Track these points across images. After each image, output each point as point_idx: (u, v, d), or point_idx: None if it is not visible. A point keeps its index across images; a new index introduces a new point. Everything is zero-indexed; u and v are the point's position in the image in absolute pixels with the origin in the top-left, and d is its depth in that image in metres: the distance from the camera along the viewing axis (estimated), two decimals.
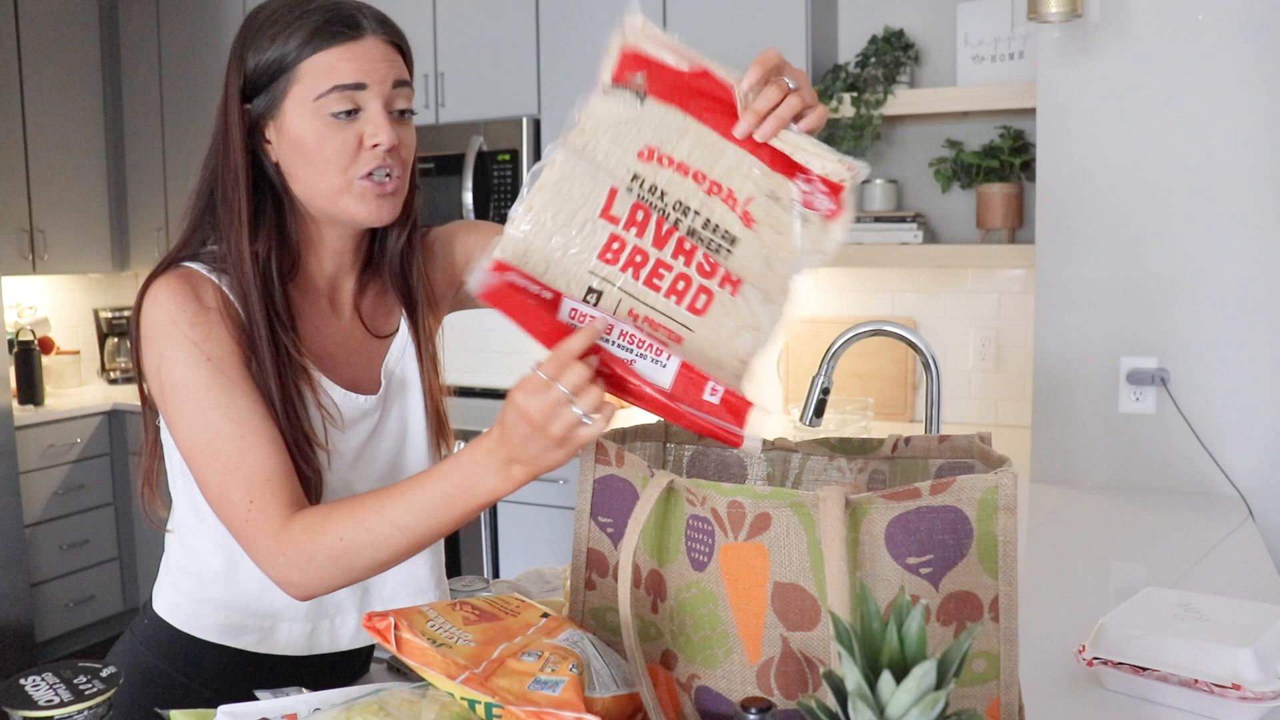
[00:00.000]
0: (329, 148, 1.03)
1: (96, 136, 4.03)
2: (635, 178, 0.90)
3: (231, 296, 1.06)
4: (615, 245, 0.88)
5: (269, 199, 1.09)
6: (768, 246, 0.91)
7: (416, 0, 3.26)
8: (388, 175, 1.06)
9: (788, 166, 0.92)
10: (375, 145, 1.04)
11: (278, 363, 1.05)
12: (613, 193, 0.89)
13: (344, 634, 1.20)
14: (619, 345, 0.87)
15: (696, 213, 0.90)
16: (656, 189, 0.90)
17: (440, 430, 1.23)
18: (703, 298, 0.88)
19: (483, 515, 2.96)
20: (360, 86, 1.03)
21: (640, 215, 0.89)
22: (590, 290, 0.87)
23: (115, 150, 4.09)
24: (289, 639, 1.16)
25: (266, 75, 1.04)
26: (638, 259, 0.88)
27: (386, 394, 1.18)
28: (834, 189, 0.93)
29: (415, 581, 1.21)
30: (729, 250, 0.90)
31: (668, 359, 0.86)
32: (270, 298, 1.06)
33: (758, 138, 0.91)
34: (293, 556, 0.97)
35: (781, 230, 0.91)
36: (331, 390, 1.12)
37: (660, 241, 0.89)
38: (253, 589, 1.13)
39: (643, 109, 0.91)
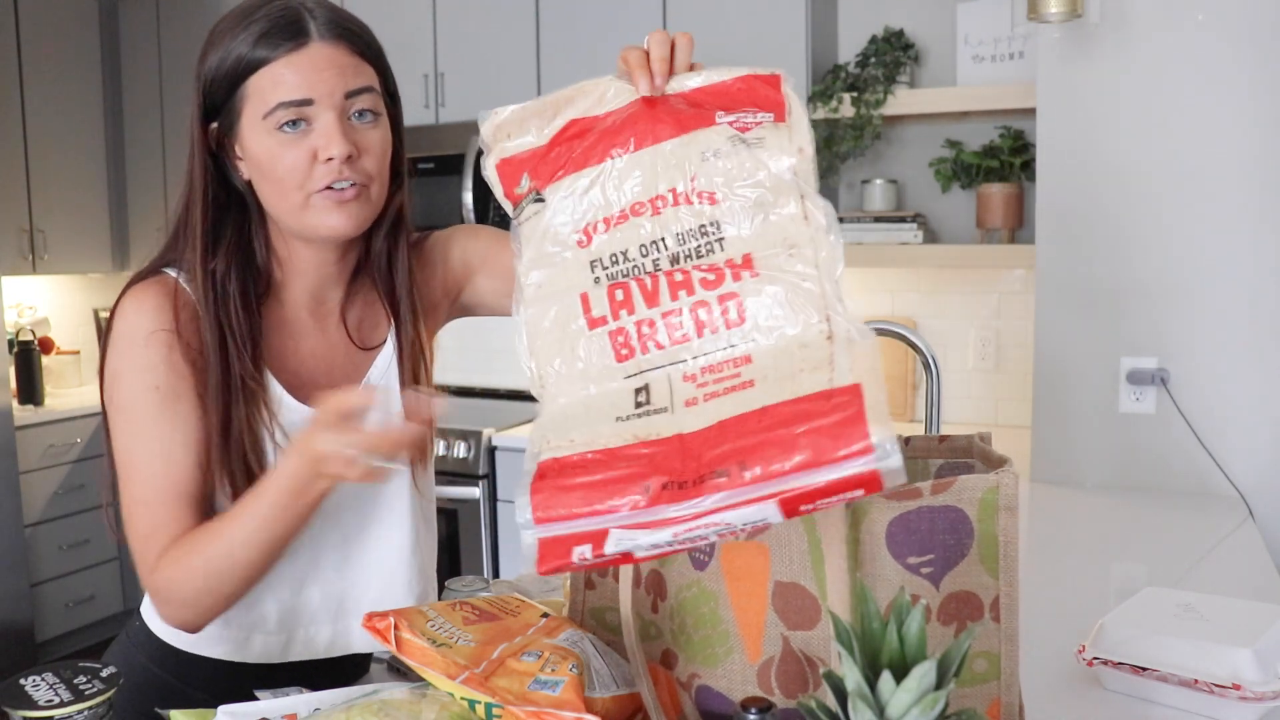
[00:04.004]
0: (282, 165, 1.00)
1: (96, 136, 4.03)
2: (593, 265, 0.81)
3: (198, 307, 1.04)
4: (621, 339, 0.79)
5: (231, 217, 1.07)
6: (749, 200, 0.79)
7: (416, 0, 3.26)
8: (350, 184, 1.02)
9: (699, 118, 0.82)
10: (329, 159, 1.00)
11: (226, 383, 1.03)
12: (584, 298, 0.81)
13: (319, 643, 1.17)
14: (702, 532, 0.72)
15: (662, 239, 0.80)
16: (616, 256, 0.81)
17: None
18: (730, 305, 0.77)
19: (483, 515, 2.96)
20: (306, 102, 0.99)
21: (619, 294, 0.80)
22: (637, 391, 0.77)
23: (115, 150, 4.09)
24: (265, 649, 1.14)
25: (220, 90, 1.02)
26: (646, 330, 0.78)
27: None
28: (765, 93, 0.82)
29: (393, 598, 1.17)
30: (718, 241, 0.79)
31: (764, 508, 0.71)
32: (225, 319, 1.04)
33: (657, 84, 0.83)
34: (165, 590, 1.01)
35: (747, 174, 0.79)
36: (297, 410, 1.08)
37: (652, 299, 0.79)
38: None
39: (549, 203, 0.83)
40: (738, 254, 0.78)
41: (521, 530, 0.74)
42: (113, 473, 1.08)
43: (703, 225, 0.80)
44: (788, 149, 0.79)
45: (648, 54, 0.84)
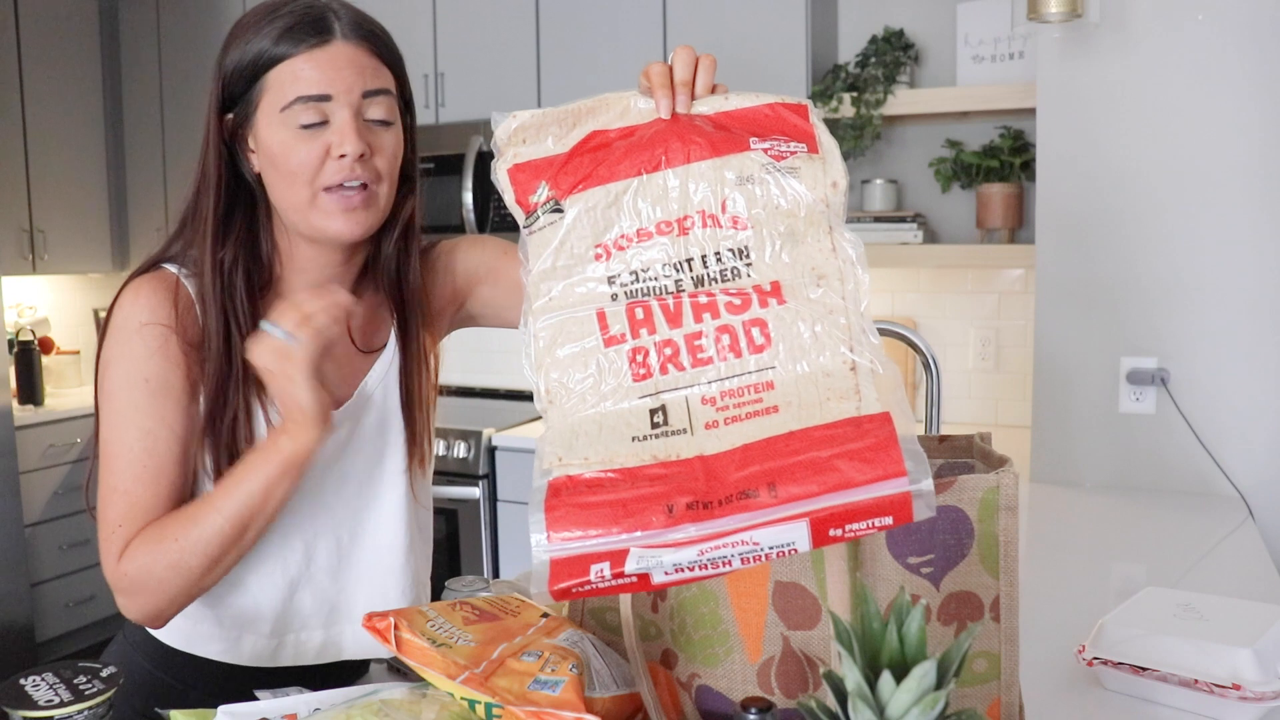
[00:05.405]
0: (294, 159, 1.01)
1: (96, 136, 4.03)
2: (610, 281, 0.80)
3: (196, 303, 1.05)
4: (640, 358, 0.77)
5: (242, 209, 1.07)
6: (780, 227, 0.79)
7: (416, 0, 3.26)
8: (361, 186, 1.02)
9: (731, 142, 0.81)
10: (341, 156, 1.00)
11: (224, 375, 1.04)
12: (600, 315, 0.79)
13: (310, 648, 1.16)
14: (724, 554, 0.70)
15: (687, 260, 0.80)
16: (638, 274, 0.80)
17: (415, 450, 1.18)
18: (755, 330, 0.77)
19: (483, 515, 2.96)
20: (324, 98, 1.00)
21: (640, 312, 0.79)
22: (653, 412, 0.76)
23: (115, 150, 4.09)
24: (255, 652, 1.14)
25: (240, 82, 1.02)
26: (668, 351, 0.77)
27: (359, 409, 1.14)
28: (794, 122, 0.82)
29: (385, 603, 1.16)
30: (746, 265, 0.79)
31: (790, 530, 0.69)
32: (230, 308, 1.05)
33: (679, 109, 0.83)
34: (134, 575, 1.01)
35: (779, 202, 0.79)
36: None
37: (675, 319, 0.78)
38: (218, 599, 1.11)
39: (567, 215, 0.81)
40: (765, 281, 0.78)
41: (534, 550, 0.72)
42: (96, 460, 1.08)
43: (732, 249, 0.80)
44: (822, 181, 0.80)
45: (671, 72, 0.84)
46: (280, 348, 0.96)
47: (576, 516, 0.72)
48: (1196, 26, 2.05)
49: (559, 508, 0.73)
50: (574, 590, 0.71)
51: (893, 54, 2.76)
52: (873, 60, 2.77)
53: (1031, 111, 2.44)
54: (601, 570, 0.70)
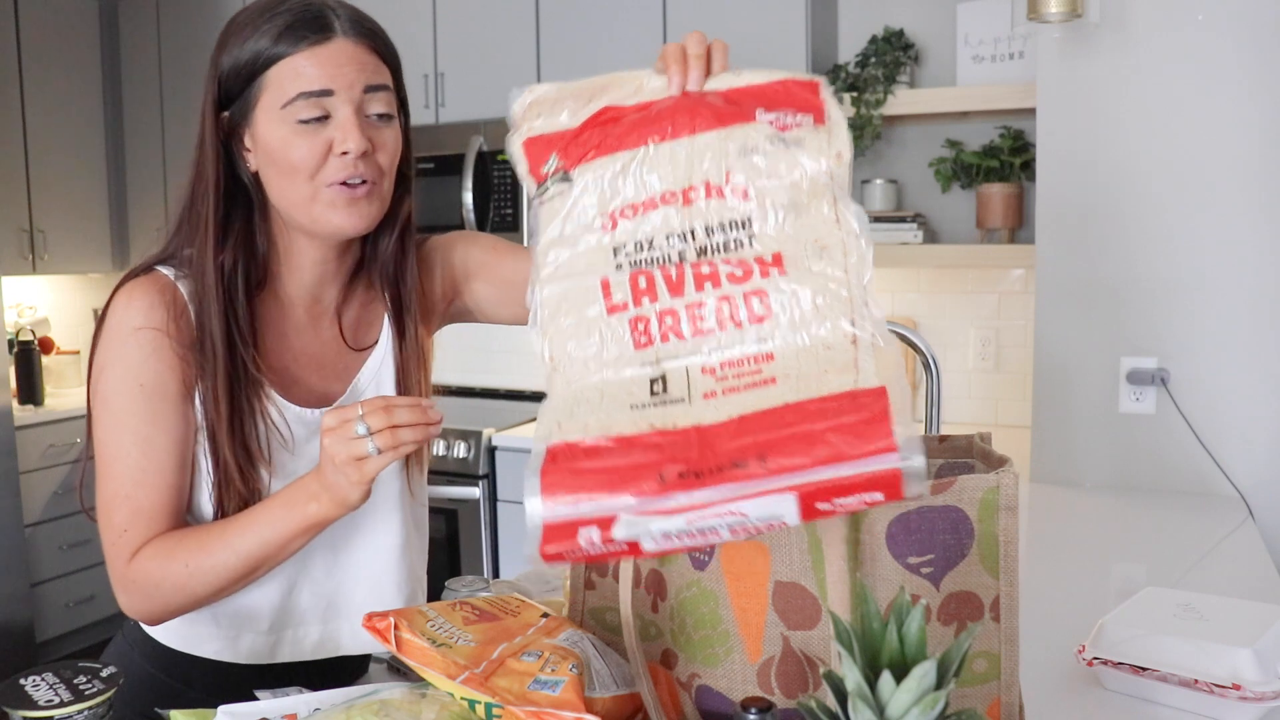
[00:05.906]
0: (296, 155, 1.00)
1: (96, 136, 4.03)
2: (616, 251, 0.80)
3: (190, 305, 1.05)
4: (640, 326, 0.78)
5: (240, 209, 1.07)
6: (783, 198, 0.78)
7: (416, 0, 3.26)
8: (362, 181, 1.03)
9: (738, 113, 0.80)
10: (344, 153, 1.00)
11: (230, 376, 1.04)
12: (604, 283, 0.79)
13: (307, 644, 1.16)
14: (710, 526, 0.71)
15: (691, 231, 0.79)
16: (642, 244, 0.80)
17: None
18: (756, 301, 0.76)
19: (483, 515, 2.96)
20: (327, 93, 1.00)
21: (642, 281, 0.79)
22: (652, 381, 0.76)
23: (115, 150, 4.09)
24: (253, 649, 1.14)
25: (238, 81, 1.02)
26: (668, 320, 0.77)
27: None
28: (804, 96, 0.81)
29: (382, 600, 1.17)
30: (749, 236, 0.78)
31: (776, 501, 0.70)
32: (232, 309, 1.04)
33: (692, 86, 0.82)
34: (142, 583, 1.02)
35: (783, 173, 0.78)
36: (285, 408, 1.09)
37: (676, 288, 0.78)
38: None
39: (576, 185, 0.82)
40: (768, 252, 0.78)
41: (529, 514, 0.72)
42: (91, 461, 1.08)
43: (734, 220, 0.79)
44: (826, 152, 0.79)
45: (685, 50, 0.84)
46: (356, 450, 0.93)
47: (570, 482, 0.72)
48: (1196, 26, 2.05)
49: (554, 473, 0.73)
50: (565, 555, 0.71)
51: (893, 54, 2.76)
52: (873, 60, 2.77)
53: (1031, 111, 2.44)
54: (590, 535, 0.71)
